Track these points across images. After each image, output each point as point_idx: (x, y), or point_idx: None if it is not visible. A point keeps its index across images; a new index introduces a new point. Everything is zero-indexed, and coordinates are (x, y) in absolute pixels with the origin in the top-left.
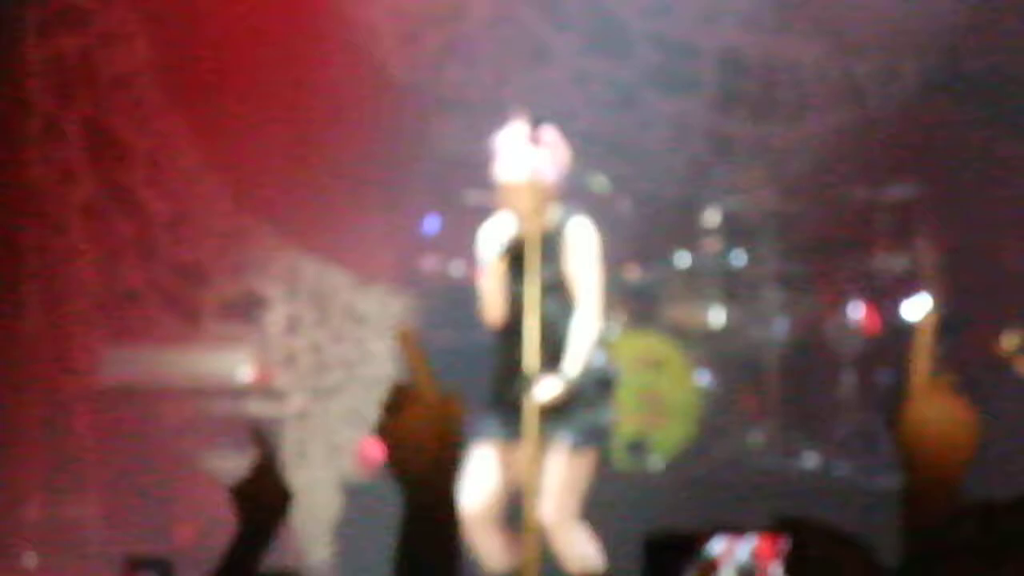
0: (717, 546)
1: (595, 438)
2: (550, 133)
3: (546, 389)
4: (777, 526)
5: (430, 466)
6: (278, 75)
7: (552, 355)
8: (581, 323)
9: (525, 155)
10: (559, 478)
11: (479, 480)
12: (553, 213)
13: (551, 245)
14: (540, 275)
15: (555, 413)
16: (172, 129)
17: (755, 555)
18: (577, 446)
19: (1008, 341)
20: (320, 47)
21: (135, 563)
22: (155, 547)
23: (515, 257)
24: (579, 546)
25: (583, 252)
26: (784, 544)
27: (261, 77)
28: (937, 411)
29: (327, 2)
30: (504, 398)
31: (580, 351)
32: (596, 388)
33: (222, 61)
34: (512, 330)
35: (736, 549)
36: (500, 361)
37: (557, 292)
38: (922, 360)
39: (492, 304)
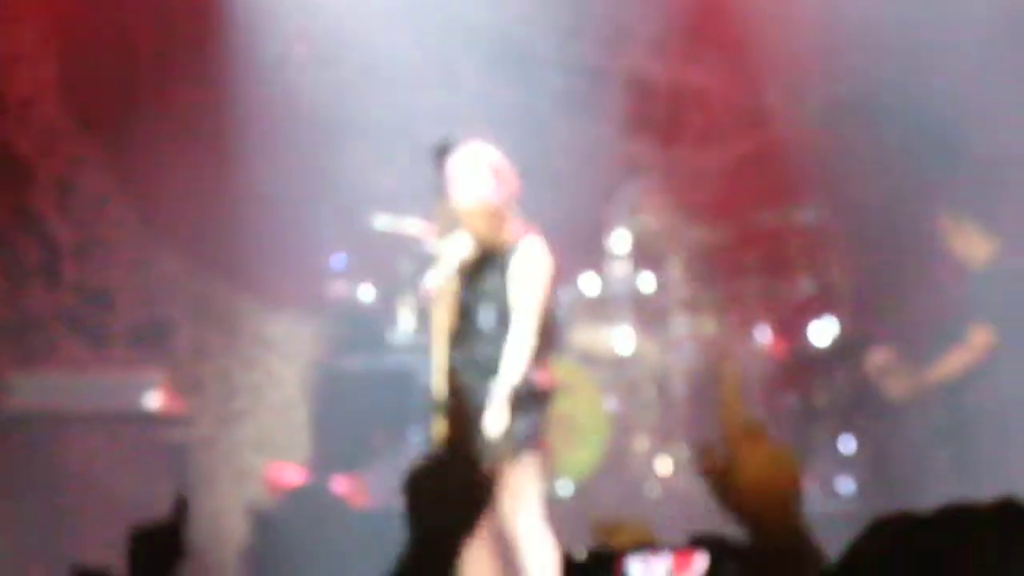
0: (634, 565)
1: (532, 444)
2: (495, 157)
3: (494, 423)
4: (693, 543)
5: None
6: (187, 99)
7: (486, 369)
8: (517, 335)
9: (474, 179)
10: (508, 488)
11: None
12: (507, 234)
13: (500, 263)
14: (482, 290)
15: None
16: (80, 152)
17: (671, 573)
18: (516, 452)
19: (872, 361)
20: (230, 71)
21: (81, 573)
22: (58, 574)
23: (465, 275)
24: (539, 554)
25: (526, 270)
26: (699, 561)
27: (170, 101)
28: (758, 458)
29: (237, 26)
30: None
31: (516, 362)
32: (530, 398)
33: (130, 84)
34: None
35: (653, 567)
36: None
37: (496, 307)
38: (732, 411)
39: (441, 322)
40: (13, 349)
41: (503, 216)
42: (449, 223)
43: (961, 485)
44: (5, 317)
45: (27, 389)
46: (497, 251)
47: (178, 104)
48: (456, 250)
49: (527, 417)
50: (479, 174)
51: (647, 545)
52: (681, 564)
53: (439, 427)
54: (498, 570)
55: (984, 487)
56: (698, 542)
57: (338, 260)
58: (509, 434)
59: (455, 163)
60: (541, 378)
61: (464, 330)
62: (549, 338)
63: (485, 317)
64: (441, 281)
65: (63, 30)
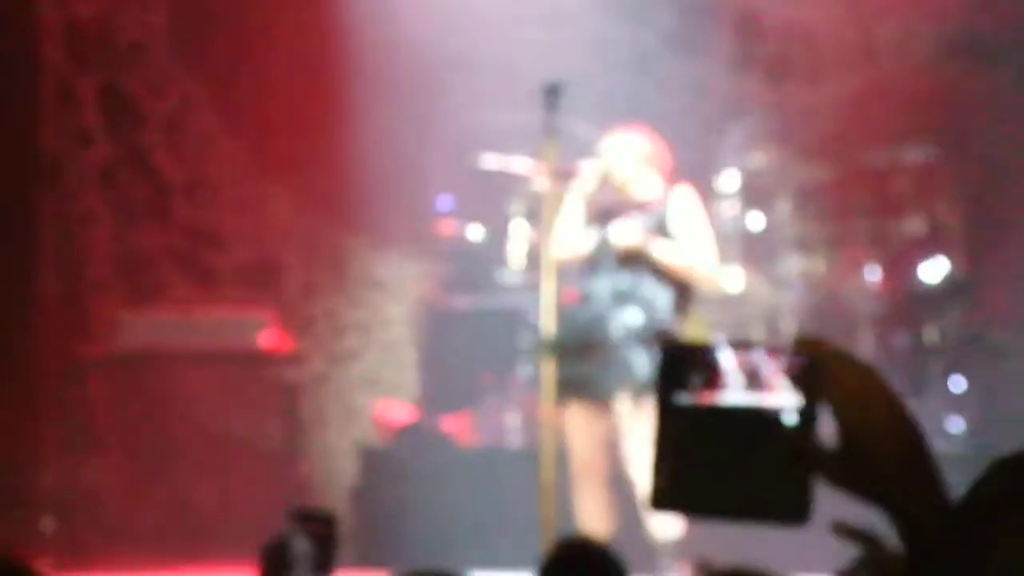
0: (725, 355)
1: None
2: (649, 144)
3: (625, 230)
4: (792, 344)
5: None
6: (295, 40)
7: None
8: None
9: (632, 175)
10: (629, 432)
11: (577, 439)
12: (653, 187)
13: (653, 215)
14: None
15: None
16: (189, 94)
17: (760, 364)
18: (641, 394)
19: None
20: (336, 10)
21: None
22: (170, 511)
23: (604, 220)
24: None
25: (684, 213)
26: (794, 360)
27: (278, 42)
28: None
29: None
30: (579, 356)
31: (675, 252)
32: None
33: (239, 26)
34: (588, 296)
35: (742, 359)
36: (578, 323)
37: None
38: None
39: (563, 241)
40: (124, 289)
41: (647, 174)
42: (557, 162)
43: None
44: (116, 257)
45: (138, 329)
46: (649, 200)
47: (286, 44)
48: (600, 198)
49: (646, 353)
50: (640, 171)
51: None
52: (774, 359)
53: (548, 365)
54: (614, 515)
55: None
56: (798, 343)
57: (445, 202)
58: (633, 376)
59: (611, 148)
60: (679, 327)
61: (597, 261)
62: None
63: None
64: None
65: None
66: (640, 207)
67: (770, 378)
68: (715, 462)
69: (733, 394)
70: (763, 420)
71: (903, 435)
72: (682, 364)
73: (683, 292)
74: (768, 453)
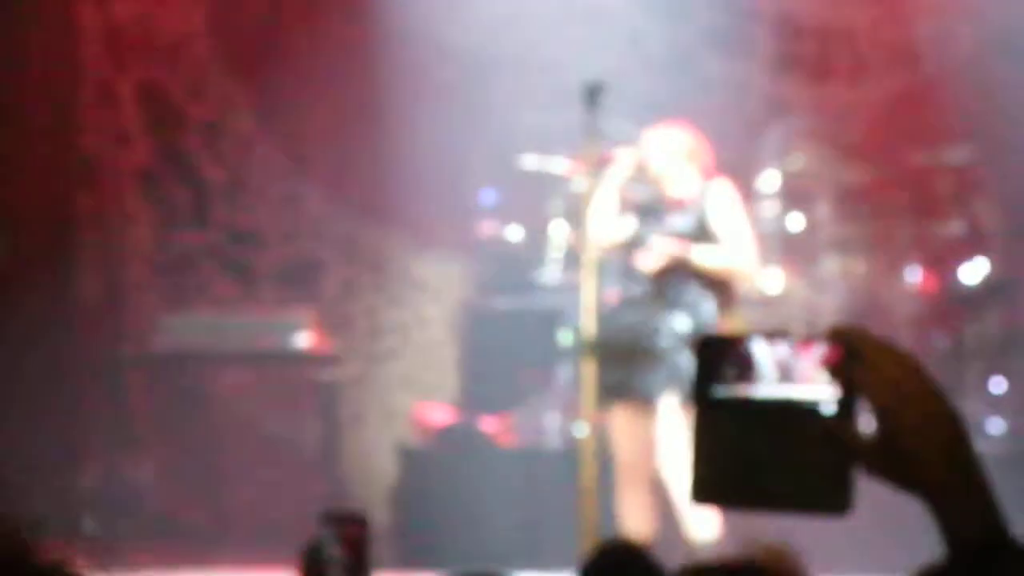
0: (757, 345)
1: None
2: (690, 140)
3: (658, 252)
4: (827, 332)
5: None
6: (334, 39)
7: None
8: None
9: (672, 172)
10: (671, 434)
11: (621, 441)
12: (692, 182)
13: (691, 208)
14: (670, 231)
15: (649, 361)
16: (228, 94)
17: (795, 353)
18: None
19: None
20: (377, 9)
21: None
22: (210, 511)
23: (648, 216)
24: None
25: (723, 209)
26: (828, 350)
27: (317, 42)
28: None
29: None
30: (624, 358)
31: (712, 256)
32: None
33: (278, 25)
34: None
35: (776, 350)
36: (623, 326)
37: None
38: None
39: (599, 228)
40: (164, 289)
41: (684, 169)
42: (597, 162)
43: None
44: (157, 257)
45: (178, 328)
46: (686, 196)
47: (325, 44)
48: (636, 191)
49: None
50: (678, 166)
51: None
52: (807, 350)
53: (587, 367)
54: (655, 517)
55: None
56: (833, 333)
57: (487, 195)
58: (682, 378)
59: (651, 144)
60: (721, 329)
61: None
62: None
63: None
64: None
65: None
66: (677, 203)
67: (805, 370)
68: (754, 454)
69: (768, 387)
70: (800, 411)
71: (943, 425)
72: (717, 357)
73: (726, 293)
74: (807, 444)
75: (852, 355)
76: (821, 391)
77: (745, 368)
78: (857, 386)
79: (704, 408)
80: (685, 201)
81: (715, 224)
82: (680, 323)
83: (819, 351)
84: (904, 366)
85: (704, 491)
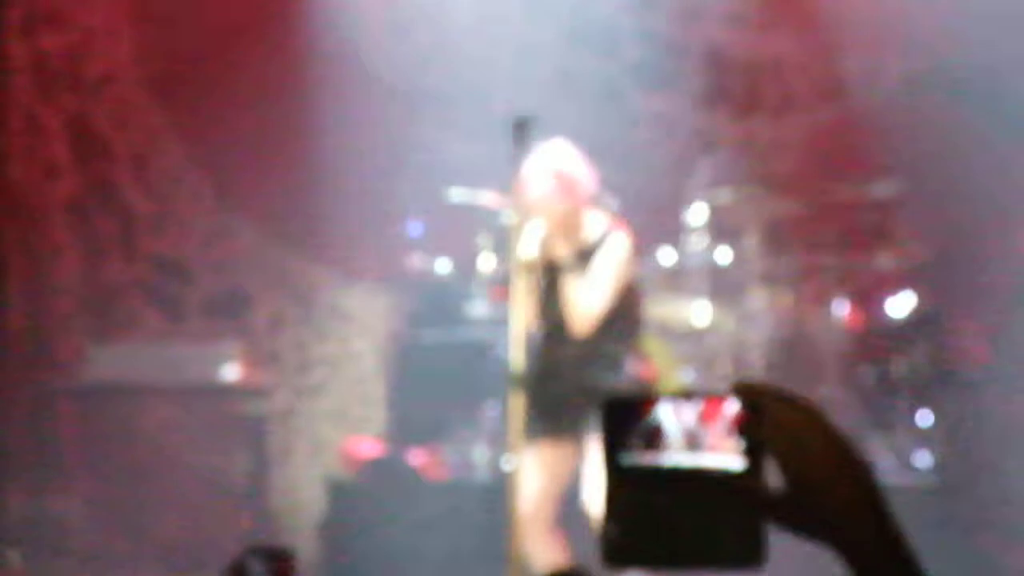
0: (663, 409)
1: None
2: (566, 161)
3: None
4: (729, 390)
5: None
6: (263, 72)
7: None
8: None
9: (537, 184)
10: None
11: (532, 480)
12: (591, 228)
13: (582, 261)
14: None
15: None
16: (156, 126)
17: (701, 417)
18: None
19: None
20: (302, 45)
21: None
22: (137, 544)
23: (547, 271)
24: None
25: (605, 258)
26: (734, 408)
27: (245, 74)
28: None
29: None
30: (545, 397)
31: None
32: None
33: (206, 60)
34: (549, 332)
35: (682, 412)
36: (540, 362)
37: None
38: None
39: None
40: (92, 321)
41: (576, 217)
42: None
43: None
44: (84, 290)
45: (106, 361)
46: (582, 248)
47: (253, 77)
48: (536, 243)
49: None
50: (543, 179)
51: (681, 393)
52: (713, 411)
53: (515, 400)
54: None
55: None
56: (736, 389)
57: (415, 227)
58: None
59: (528, 164)
60: (639, 369)
61: (559, 325)
62: (636, 326)
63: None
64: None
65: (139, 5)
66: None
67: (711, 436)
68: (665, 516)
69: (676, 454)
70: (709, 474)
71: (849, 476)
72: (624, 421)
73: (630, 335)
74: (717, 503)
75: (755, 411)
76: (729, 459)
77: (652, 435)
78: (762, 442)
79: (612, 474)
80: (578, 249)
81: (593, 267)
82: (607, 381)
83: (726, 409)
84: (807, 419)
85: (616, 553)
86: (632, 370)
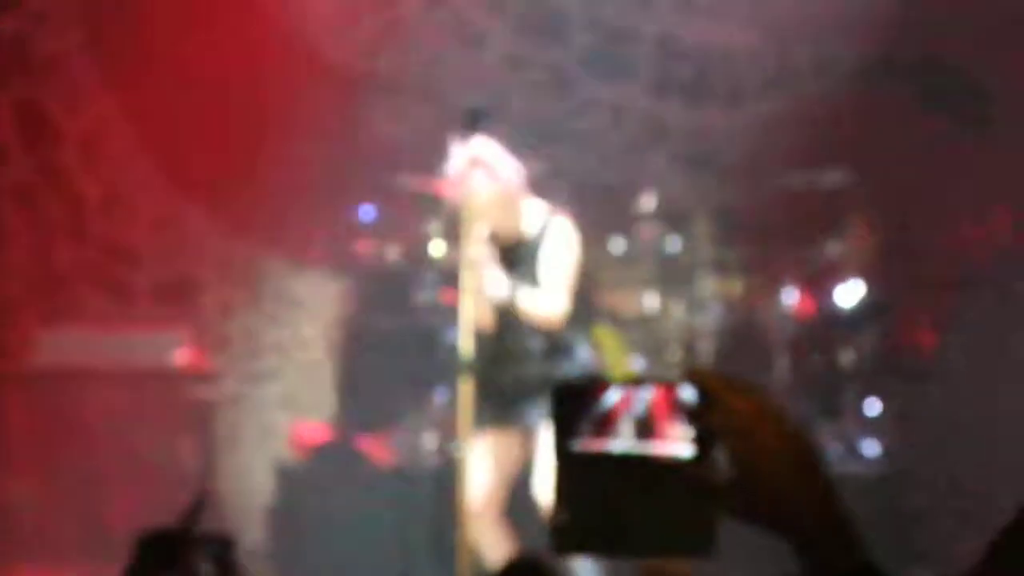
0: (613, 396)
1: None
2: (486, 152)
3: (493, 281)
4: (680, 377)
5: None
6: (211, 57)
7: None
8: (542, 301)
9: (464, 178)
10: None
11: (481, 468)
12: (531, 218)
13: (527, 250)
14: (517, 279)
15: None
16: (105, 111)
17: (652, 405)
18: None
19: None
20: (252, 30)
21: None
22: (85, 529)
23: (498, 259)
24: None
25: (554, 249)
26: (683, 394)
27: (196, 58)
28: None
29: None
30: (495, 386)
31: (532, 308)
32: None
33: (156, 42)
34: (500, 324)
35: (632, 399)
36: (490, 350)
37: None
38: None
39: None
40: (39, 305)
41: (508, 205)
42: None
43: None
44: (31, 274)
45: (53, 345)
46: (521, 239)
47: (204, 60)
48: (480, 238)
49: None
50: (464, 169)
51: (631, 380)
52: (663, 397)
53: (465, 387)
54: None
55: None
56: (686, 375)
57: (366, 212)
58: None
59: (451, 162)
60: (590, 355)
61: (510, 320)
62: (586, 311)
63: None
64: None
65: None
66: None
67: (661, 419)
68: (616, 503)
69: (625, 441)
70: (659, 461)
71: (797, 462)
72: (574, 408)
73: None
74: (667, 490)
75: (706, 399)
76: (679, 447)
77: (602, 422)
78: (713, 430)
79: (562, 461)
80: (521, 240)
81: (542, 262)
82: (559, 369)
83: (676, 396)
84: (758, 408)
85: (566, 541)
86: (583, 356)
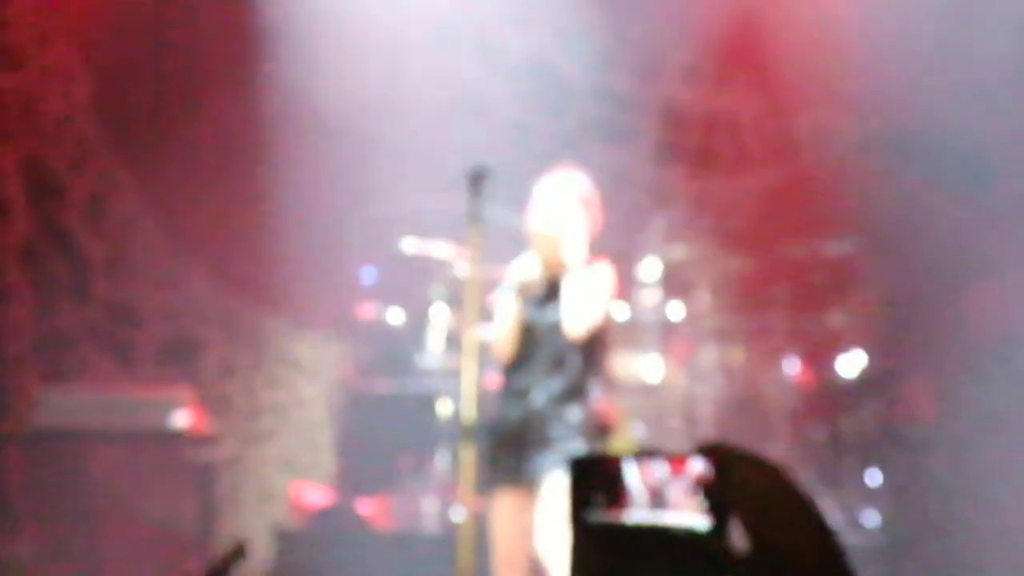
0: (628, 468)
1: None
2: (586, 187)
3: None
4: (694, 450)
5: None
6: (219, 118)
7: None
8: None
9: (562, 207)
10: (553, 516)
11: (504, 528)
12: (579, 257)
13: (572, 284)
14: (554, 315)
15: (540, 447)
16: (110, 170)
17: (668, 477)
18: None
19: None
20: (261, 90)
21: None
22: None
23: (530, 299)
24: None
25: (596, 283)
26: (698, 467)
27: (201, 120)
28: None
29: (268, 48)
30: (514, 444)
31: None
32: (589, 425)
33: (162, 104)
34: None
35: (648, 471)
36: (507, 407)
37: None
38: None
39: (505, 341)
40: (43, 365)
41: (581, 246)
42: (480, 248)
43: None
44: (35, 333)
45: (56, 406)
46: (567, 274)
47: (209, 124)
48: (524, 273)
49: (582, 443)
50: (568, 202)
51: (645, 453)
52: (678, 470)
53: (466, 452)
54: None
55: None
56: (701, 449)
57: (368, 274)
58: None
59: (545, 187)
60: (601, 409)
61: (532, 354)
62: (603, 360)
63: (554, 341)
64: (507, 303)
65: (97, 49)
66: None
67: (674, 495)
68: (630, 574)
69: (640, 512)
70: (674, 532)
71: (811, 533)
72: (590, 479)
73: (598, 374)
74: (682, 561)
75: (721, 472)
76: (692, 517)
77: (618, 493)
78: (727, 502)
79: (579, 531)
80: (568, 274)
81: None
82: (573, 415)
83: (690, 469)
84: (770, 478)
85: None
86: (595, 407)
